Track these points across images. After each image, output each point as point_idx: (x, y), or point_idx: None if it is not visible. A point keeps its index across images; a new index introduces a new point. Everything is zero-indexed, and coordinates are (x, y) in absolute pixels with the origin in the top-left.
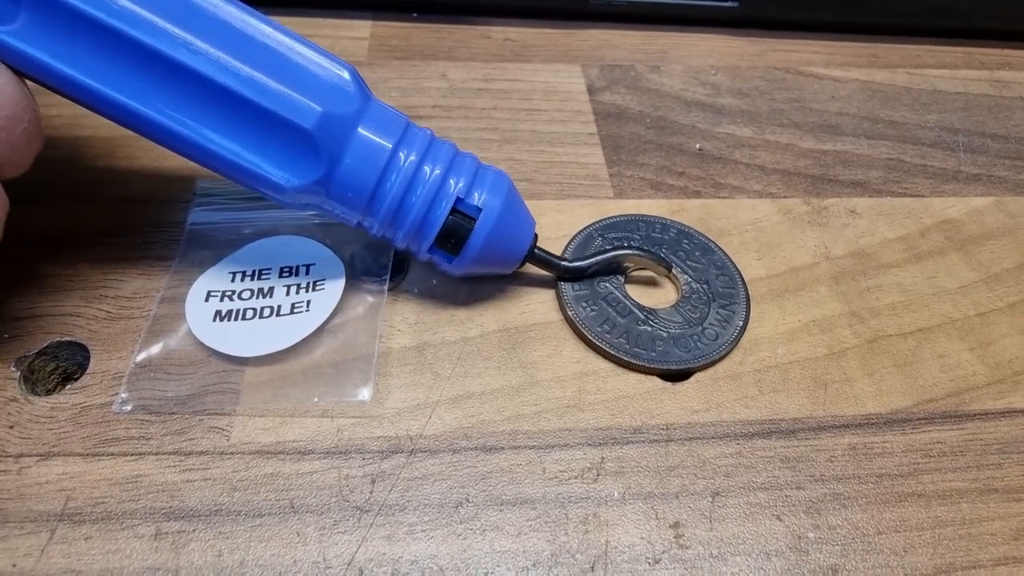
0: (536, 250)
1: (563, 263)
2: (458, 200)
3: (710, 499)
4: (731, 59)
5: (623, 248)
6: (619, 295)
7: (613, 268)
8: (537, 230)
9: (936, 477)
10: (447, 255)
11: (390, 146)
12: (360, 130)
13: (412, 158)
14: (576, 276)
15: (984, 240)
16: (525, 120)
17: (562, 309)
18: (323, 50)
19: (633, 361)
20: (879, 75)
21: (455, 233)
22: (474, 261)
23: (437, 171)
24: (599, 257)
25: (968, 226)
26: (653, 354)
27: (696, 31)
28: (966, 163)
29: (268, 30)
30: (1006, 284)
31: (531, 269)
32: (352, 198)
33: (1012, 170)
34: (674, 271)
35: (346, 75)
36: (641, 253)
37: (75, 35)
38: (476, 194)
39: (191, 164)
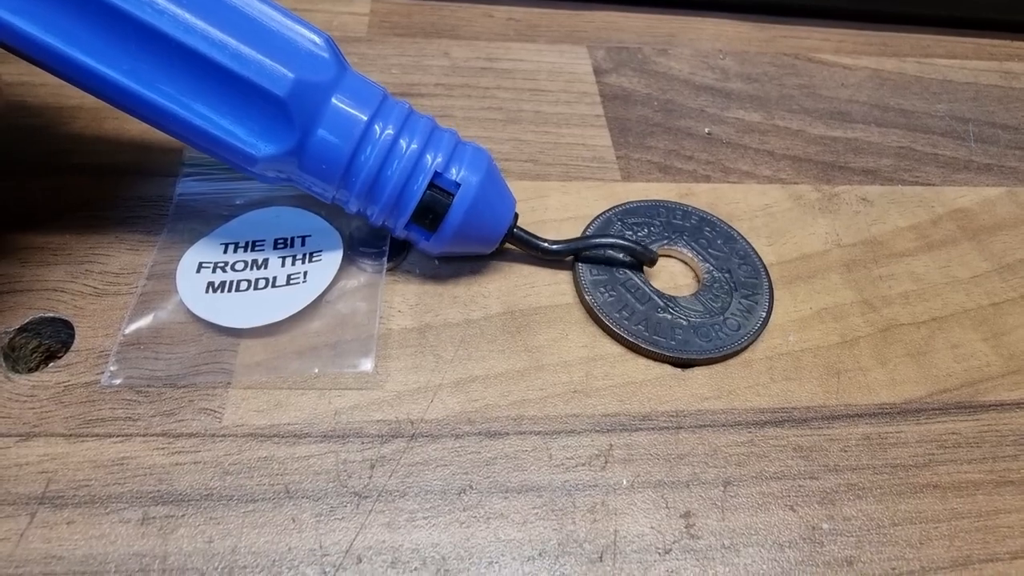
0: (516, 229)
1: (544, 244)
2: (436, 175)
3: (721, 488)
4: (739, 44)
5: (609, 236)
6: (638, 281)
7: (602, 258)
8: (543, 212)
9: (951, 468)
10: (425, 232)
11: (365, 118)
12: (334, 100)
13: (388, 131)
14: (557, 258)
15: (996, 230)
16: (530, 100)
17: (579, 294)
18: (298, 17)
19: (652, 349)
20: (889, 64)
21: (432, 209)
22: (453, 238)
23: (414, 145)
24: (583, 242)
25: (980, 216)
26: (672, 342)
27: (704, 15)
28: (977, 153)
29: None
30: (1019, 275)
31: (513, 249)
32: (326, 170)
33: (1023, 161)
34: (696, 259)
35: (320, 41)
36: (627, 243)
37: None
38: (454, 169)
39: None
